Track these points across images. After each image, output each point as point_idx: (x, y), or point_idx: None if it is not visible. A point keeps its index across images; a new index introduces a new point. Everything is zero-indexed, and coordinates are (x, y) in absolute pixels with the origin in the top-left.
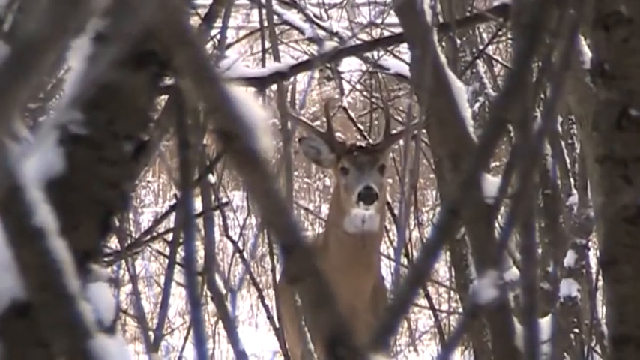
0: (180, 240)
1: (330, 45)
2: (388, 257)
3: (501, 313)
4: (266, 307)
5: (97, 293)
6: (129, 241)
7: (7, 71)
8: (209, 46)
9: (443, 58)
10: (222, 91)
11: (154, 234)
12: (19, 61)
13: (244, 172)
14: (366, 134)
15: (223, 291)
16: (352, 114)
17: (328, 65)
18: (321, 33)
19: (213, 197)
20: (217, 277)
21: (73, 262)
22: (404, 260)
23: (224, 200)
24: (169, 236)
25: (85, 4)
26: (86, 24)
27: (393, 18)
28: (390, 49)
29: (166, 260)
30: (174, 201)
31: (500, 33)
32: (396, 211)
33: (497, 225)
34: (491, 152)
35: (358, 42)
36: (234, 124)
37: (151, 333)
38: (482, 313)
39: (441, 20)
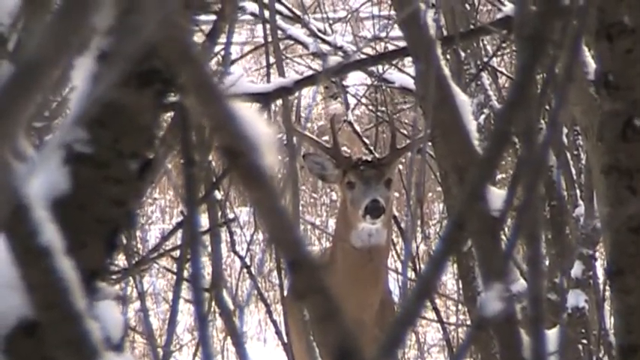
0: (188, 257)
1: (335, 59)
2: (395, 271)
3: (509, 325)
4: (274, 322)
5: (104, 311)
6: (136, 259)
7: (10, 89)
8: (214, 62)
9: (447, 71)
10: (227, 108)
11: (161, 251)
12: (22, 79)
13: (250, 188)
14: (371, 148)
15: (231, 307)
16: (358, 128)
17: (333, 80)
18: (326, 47)
19: (220, 213)
20: (225, 293)
21: (80, 280)
22: (411, 274)
23: (230, 216)
24: (177, 253)
25: (87, 22)
26: (89, 42)
27: (397, 31)
28: (394, 62)
29: (174, 277)
30: (180, 218)
31: (504, 45)
32: (402, 225)
33: (503, 237)
34: (496, 164)
35: (363, 56)
36: (239, 141)
37: (159, 350)
38: (490, 325)
39: (445, 33)
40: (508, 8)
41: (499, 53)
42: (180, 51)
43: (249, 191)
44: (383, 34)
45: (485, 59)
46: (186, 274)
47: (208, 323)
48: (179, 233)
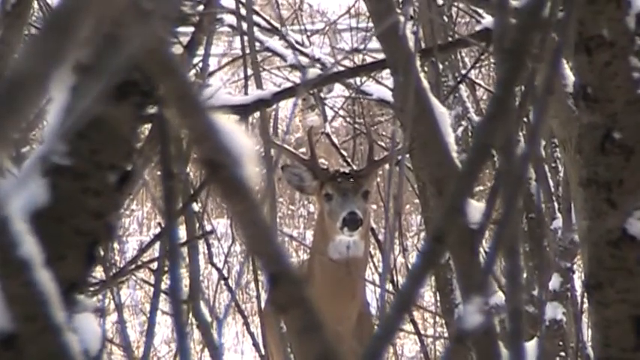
0: (165, 269)
1: (314, 72)
2: (373, 283)
3: (487, 338)
4: (252, 334)
5: (83, 323)
6: (114, 270)
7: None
8: (192, 74)
9: (425, 83)
10: (208, 120)
11: (139, 263)
12: (9, 96)
13: (231, 201)
14: (349, 160)
15: (209, 319)
16: (335, 140)
17: (311, 92)
18: (304, 59)
19: (197, 225)
20: (203, 305)
21: (59, 292)
22: (389, 286)
23: (208, 228)
24: (154, 265)
25: (74, 38)
26: (74, 56)
27: (375, 44)
28: (372, 74)
29: (151, 289)
30: (158, 230)
31: (482, 57)
32: (380, 237)
33: (482, 250)
34: (475, 178)
35: (341, 68)
36: (219, 153)
37: None
38: (469, 338)
39: (423, 45)
40: (487, 21)
41: (477, 65)
42: (162, 63)
43: (229, 203)
44: (362, 46)
45: (464, 71)
46: (164, 286)
47: (186, 335)
48: (157, 245)
